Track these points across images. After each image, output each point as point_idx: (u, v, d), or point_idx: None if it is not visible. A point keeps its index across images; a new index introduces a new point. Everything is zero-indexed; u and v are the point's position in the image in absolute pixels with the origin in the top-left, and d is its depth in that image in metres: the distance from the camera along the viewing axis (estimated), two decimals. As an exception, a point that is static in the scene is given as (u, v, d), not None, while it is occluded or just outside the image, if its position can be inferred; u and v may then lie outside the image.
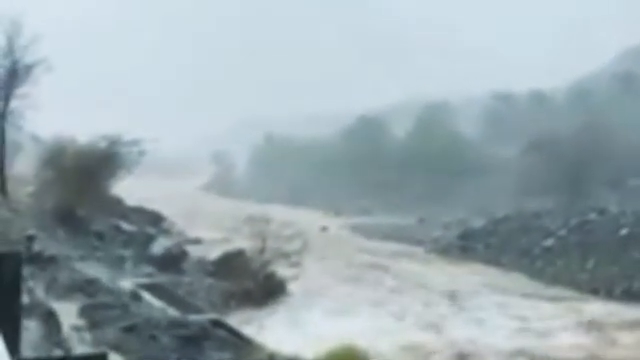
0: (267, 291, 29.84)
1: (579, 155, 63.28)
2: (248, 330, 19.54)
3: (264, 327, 23.88)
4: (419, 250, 48.00)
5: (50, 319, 14.86)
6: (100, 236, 35.70)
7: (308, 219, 59.17)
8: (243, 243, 31.99)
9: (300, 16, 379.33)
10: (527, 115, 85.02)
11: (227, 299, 28.36)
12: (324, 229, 59.24)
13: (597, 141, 64.44)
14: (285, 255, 30.78)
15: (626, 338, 24.26)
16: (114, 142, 40.79)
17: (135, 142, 41.78)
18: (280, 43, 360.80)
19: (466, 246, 45.73)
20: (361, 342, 18.38)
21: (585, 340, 24.06)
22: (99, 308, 18.15)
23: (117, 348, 14.50)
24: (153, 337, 15.63)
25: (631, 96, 78.70)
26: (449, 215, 58.80)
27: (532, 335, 24.62)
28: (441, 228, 53.82)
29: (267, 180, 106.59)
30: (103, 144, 40.77)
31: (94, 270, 26.24)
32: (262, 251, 30.92)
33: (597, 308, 29.07)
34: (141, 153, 42.20)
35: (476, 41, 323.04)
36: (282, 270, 30.70)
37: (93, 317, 17.02)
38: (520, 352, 22.51)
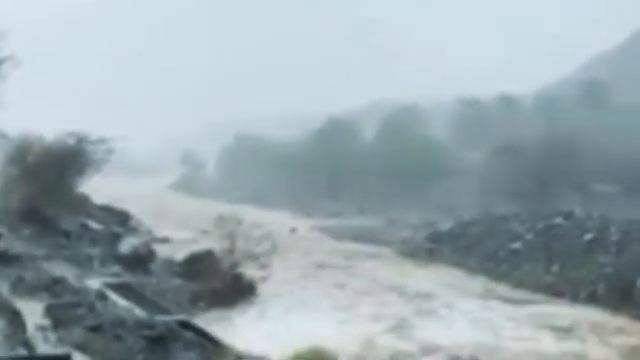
0: (236, 292, 29.79)
1: (546, 160, 64.02)
2: (216, 331, 19.48)
3: (232, 328, 23.87)
4: (387, 251, 48.19)
5: (14, 318, 14.71)
6: (67, 235, 35.40)
7: (277, 220, 59.11)
8: (212, 243, 31.86)
9: (269, 19, 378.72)
10: (495, 119, 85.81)
11: (195, 300, 28.28)
12: (293, 230, 59.23)
13: (563, 146, 65.27)
14: (254, 256, 30.70)
15: (589, 340, 24.65)
16: (82, 140, 40.47)
17: (103, 140, 41.53)
18: (249, 45, 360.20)
19: (433, 248, 46.01)
20: (328, 343, 18.45)
21: (546, 342, 24.38)
22: (64, 307, 17.99)
23: (82, 348, 14.38)
24: (119, 337, 15.53)
25: (597, 103, 79.81)
26: (417, 217, 59.13)
27: (491, 336, 24.88)
28: (409, 230, 54.10)
29: (237, 180, 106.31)
30: (71, 141, 40.44)
31: (60, 269, 26.04)
32: (231, 252, 30.83)
33: (562, 311, 29.43)
34: (109, 151, 41.95)
35: (445, 46, 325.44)
36: (251, 271, 30.65)
37: (58, 316, 16.88)
38: (478, 351, 22.81)
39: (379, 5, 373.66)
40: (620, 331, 25.86)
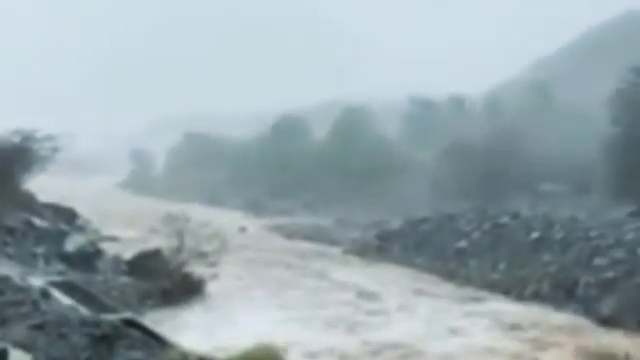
0: (183, 291, 29.62)
1: (493, 160, 64.94)
2: (162, 330, 19.32)
3: (179, 327, 23.72)
4: (337, 250, 48.37)
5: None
6: (11, 232, 34.69)
7: (227, 219, 58.89)
8: (160, 242, 31.59)
9: (223, 16, 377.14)
10: (445, 120, 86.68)
11: (142, 298, 28.01)
12: (243, 229, 59.08)
13: (510, 147, 66.29)
14: (203, 255, 30.55)
15: (525, 336, 25.13)
16: (27, 137, 39.83)
17: (49, 138, 40.97)
18: (202, 42, 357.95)
19: (383, 247, 46.30)
20: (276, 341, 18.44)
21: (489, 338, 24.76)
22: (7, 306, 17.67)
23: (24, 346, 14.14)
24: (63, 335, 15.30)
25: (543, 104, 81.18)
26: (367, 216, 59.44)
27: (436, 335, 25.21)
28: (359, 229, 54.36)
29: (186, 179, 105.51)
30: (16, 139, 39.76)
31: (4, 267, 25.54)
32: (179, 250, 30.64)
33: (505, 308, 29.90)
34: (55, 149, 41.37)
35: (396, 46, 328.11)
36: (199, 270, 30.47)
37: (1, 315, 16.56)
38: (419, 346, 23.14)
39: (333, 7, 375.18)
40: (561, 328, 26.37)
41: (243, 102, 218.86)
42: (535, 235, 37.48)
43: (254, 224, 64.93)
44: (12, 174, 39.79)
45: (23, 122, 44.61)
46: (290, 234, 57.73)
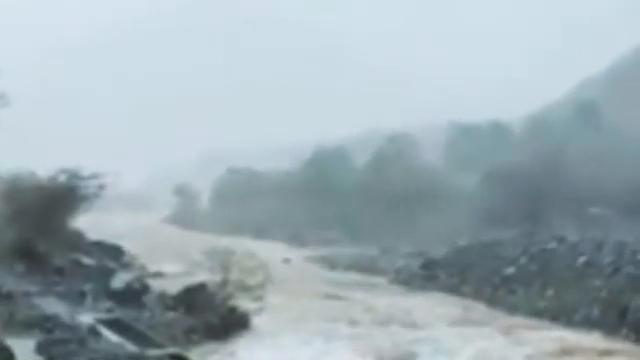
0: (229, 324, 29.67)
1: (538, 184, 64.15)
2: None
3: (226, 361, 23.77)
4: (382, 280, 48.09)
5: (5, 355, 14.64)
6: (60, 271, 35.25)
7: (271, 251, 58.99)
8: (205, 276, 31.77)
9: (258, 49, 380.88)
10: (487, 145, 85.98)
11: (188, 333, 28.12)
12: (287, 261, 59.14)
13: (556, 170, 65.43)
14: (247, 288, 30.62)
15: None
16: (73, 176, 40.48)
17: (95, 176, 41.53)
18: (240, 78, 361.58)
19: (428, 275, 45.96)
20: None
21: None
22: (56, 344, 17.91)
23: (73, 384, 14.33)
24: (110, 372, 15.47)
25: (590, 125, 79.96)
26: (411, 245, 59.09)
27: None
28: (403, 258, 54.04)
29: (230, 213, 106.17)
30: (62, 178, 40.44)
31: (53, 305, 25.91)
32: (224, 284, 30.76)
33: (557, 335, 29.38)
34: (101, 187, 41.92)
35: (434, 72, 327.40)
36: (244, 303, 30.53)
37: (50, 353, 16.81)
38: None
39: (369, 31, 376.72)
40: (611, 353, 25.84)
41: (283, 134, 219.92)
42: (583, 259, 36.90)
43: (298, 255, 64.94)
44: (59, 214, 40.43)
45: (69, 161, 45.39)
46: (333, 264, 57.62)
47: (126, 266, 45.77)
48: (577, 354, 25.95)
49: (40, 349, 17.11)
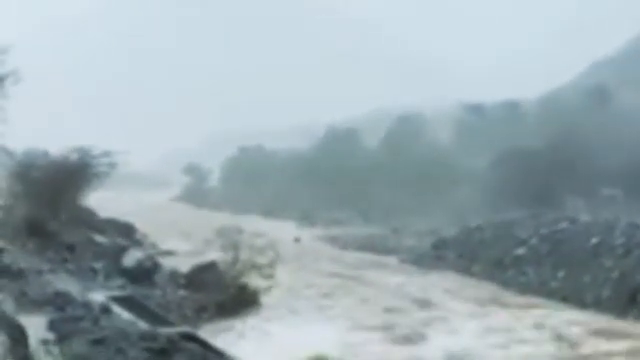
0: (239, 303, 29.73)
1: (551, 165, 63.92)
2: (219, 342, 19.45)
3: (235, 339, 23.84)
4: (393, 260, 48.12)
5: (17, 333, 14.69)
6: (71, 248, 35.34)
7: (281, 230, 59.13)
8: (215, 254, 31.85)
9: (270, 31, 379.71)
10: (499, 126, 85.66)
11: (199, 311, 28.22)
12: (297, 240, 59.22)
13: (569, 152, 65.15)
14: (257, 266, 30.64)
15: (591, 345, 24.58)
16: (85, 154, 40.55)
17: (106, 154, 41.58)
18: (250, 58, 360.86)
19: (439, 255, 45.92)
20: (334, 352, 18.42)
21: (549, 347, 24.33)
22: (68, 321, 17.96)
23: (85, 361, 14.39)
24: (121, 350, 15.50)
25: (602, 107, 79.55)
26: (422, 225, 59.05)
27: (499, 343, 24.85)
28: (414, 238, 54.01)
29: (240, 192, 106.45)
30: (74, 156, 40.51)
31: (64, 283, 25.99)
32: (234, 262, 30.79)
33: (566, 316, 29.33)
34: (112, 165, 41.98)
35: (445, 52, 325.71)
36: (254, 281, 30.58)
37: (62, 330, 16.85)
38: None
39: (378, 15, 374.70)
40: (620, 334, 25.80)
41: (293, 114, 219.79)
42: (595, 240, 36.72)
43: (308, 235, 65.01)
44: (71, 191, 40.57)
45: (82, 140, 45.46)
46: (345, 244, 57.64)
47: (137, 244, 45.91)
48: (585, 334, 25.91)
49: (52, 326, 17.16)
